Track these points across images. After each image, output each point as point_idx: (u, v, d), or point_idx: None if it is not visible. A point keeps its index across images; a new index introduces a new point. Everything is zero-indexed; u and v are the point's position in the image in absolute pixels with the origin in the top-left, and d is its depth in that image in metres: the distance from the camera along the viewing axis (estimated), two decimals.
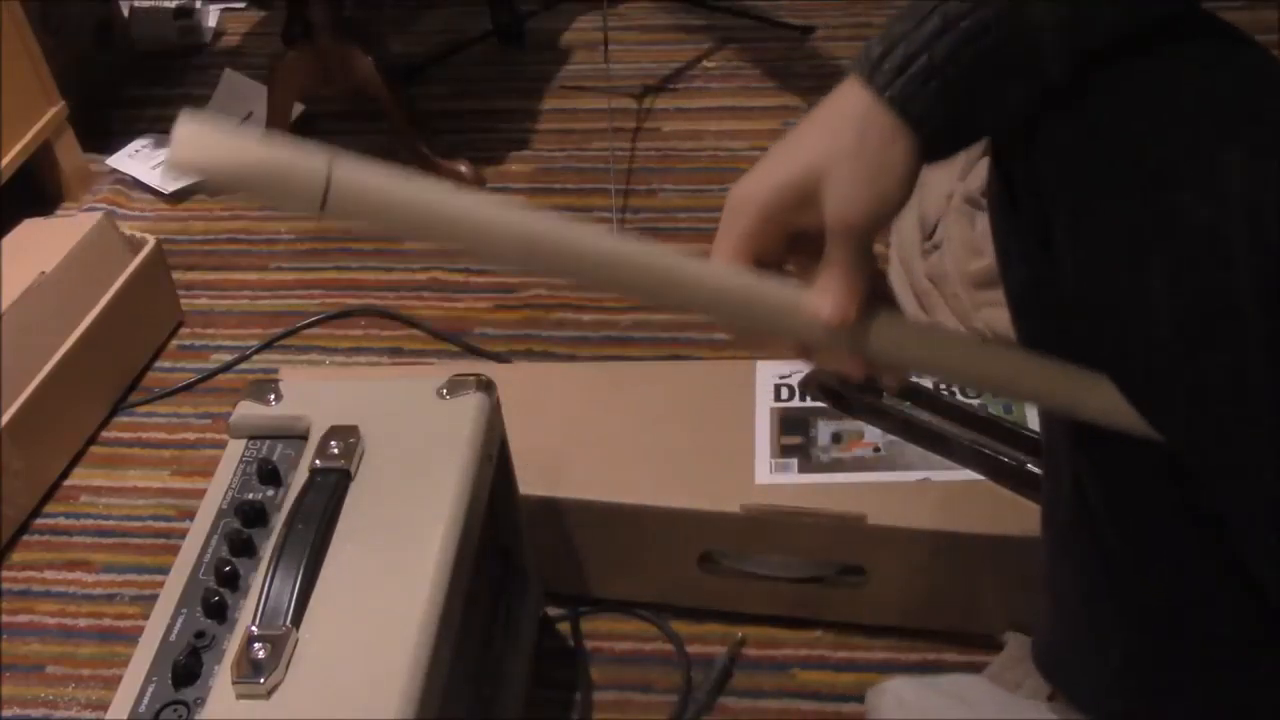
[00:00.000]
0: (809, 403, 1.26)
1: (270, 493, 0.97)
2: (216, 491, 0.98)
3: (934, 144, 0.61)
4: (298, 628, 0.85)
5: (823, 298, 0.61)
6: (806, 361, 0.65)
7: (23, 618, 1.41)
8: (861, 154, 0.61)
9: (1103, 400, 0.63)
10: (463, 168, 1.98)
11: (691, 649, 1.26)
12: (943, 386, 1.26)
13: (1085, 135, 0.61)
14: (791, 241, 0.64)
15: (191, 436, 1.61)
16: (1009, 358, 0.68)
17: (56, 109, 1.93)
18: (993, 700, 1.05)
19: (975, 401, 1.24)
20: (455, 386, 1.04)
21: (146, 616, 0.89)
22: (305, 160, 0.59)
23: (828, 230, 0.61)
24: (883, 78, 0.61)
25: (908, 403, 1.23)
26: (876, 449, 1.21)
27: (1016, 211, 0.69)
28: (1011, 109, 0.61)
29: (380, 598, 0.87)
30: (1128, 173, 0.59)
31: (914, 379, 1.27)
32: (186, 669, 0.84)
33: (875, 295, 0.63)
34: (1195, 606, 0.74)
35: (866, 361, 0.64)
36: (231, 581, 0.90)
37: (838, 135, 0.62)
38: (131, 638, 0.94)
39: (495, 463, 1.05)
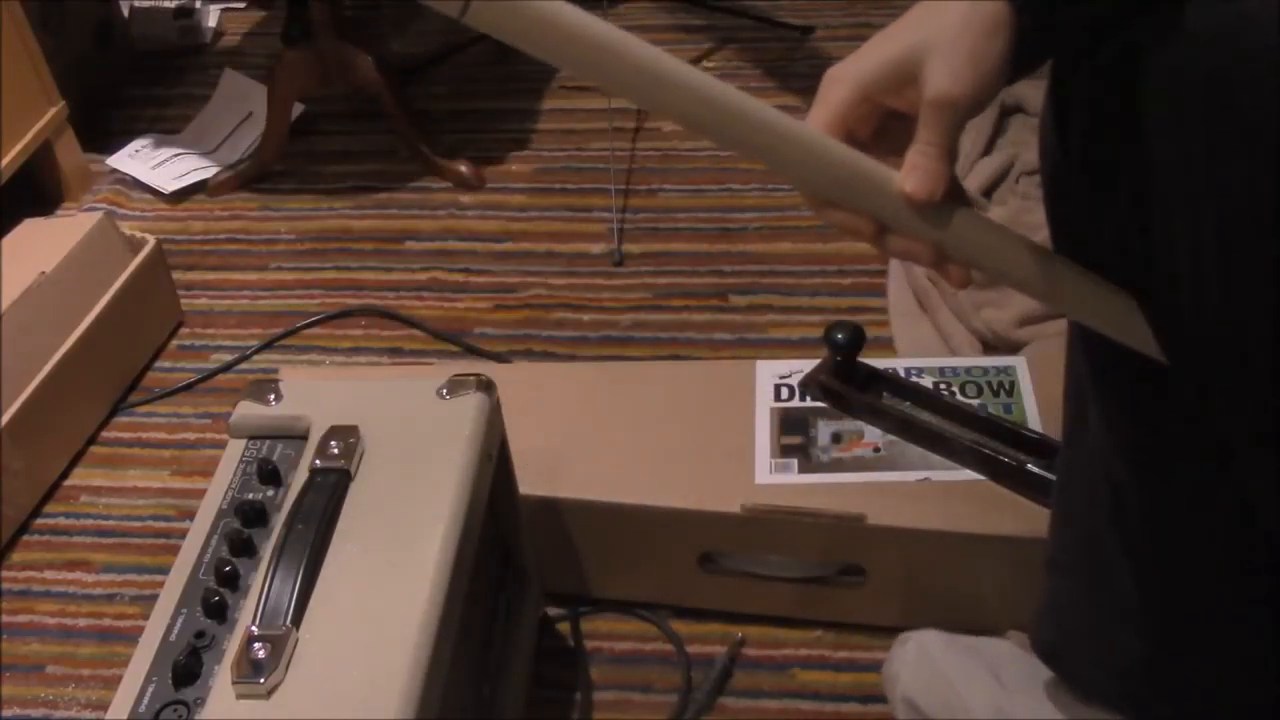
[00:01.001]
0: (809, 403, 1.26)
1: (270, 493, 0.97)
2: (216, 491, 0.98)
3: (1030, 37, 0.63)
4: (298, 628, 0.85)
5: (910, 173, 0.61)
6: (878, 244, 0.65)
7: (23, 618, 1.41)
8: (967, 34, 0.61)
9: (1133, 324, 0.65)
10: (463, 168, 1.98)
11: (691, 649, 1.26)
12: (943, 386, 1.27)
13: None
14: (879, 131, 0.64)
15: (191, 436, 1.61)
16: (1061, 272, 0.67)
17: (56, 109, 1.94)
18: (1018, 665, 1.04)
19: (975, 401, 1.24)
20: (455, 386, 1.04)
21: (146, 616, 0.89)
22: None
23: (924, 108, 0.61)
24: None
25: (907, 402, 1.23)
26: (876, 449, 1.21)
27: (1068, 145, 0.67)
28: (1106, 13, 0.63)
29: (380, 598, 0.87)
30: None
31: (913, 380, 1.27)
32: (186, 669, 0.84)
33: (951, 190, 0.63)
34: (1204, 548, 0.74)
35: (936, 247, 0.64)
36: (231, 581, 0.90)
37: (945, 15, 0.61)
38: (131, 638, 0.94)
39: (495, 463, 1.05)
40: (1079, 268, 0.68)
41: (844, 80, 0.62)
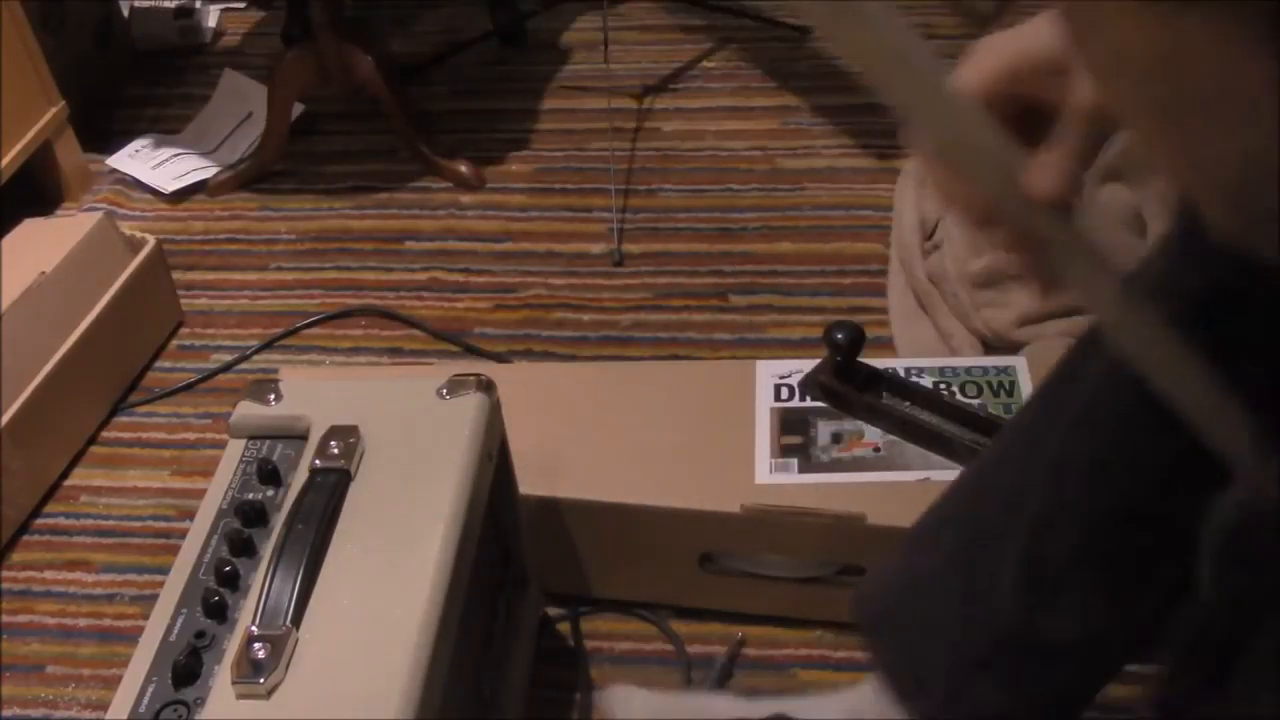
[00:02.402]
0: (809, 403, 1.26)
1: (270, 493, 0.97)
2: (216, 491, 0.98)
3: None
4: (298, 628, 0.85)
5: (1040, 169, 0.56)
6: (982, 227, 0.61)
7: (23, 618, 1.41)
8: None
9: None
10: (463, 168, 1.98)
11: (691, 649, 1.26)
12: (943, 386, 1.27)
13: None
14: (1014, 122, 0.59)
15: (191, 436, 1.61)
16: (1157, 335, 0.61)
17: (56, 109, 1.94)
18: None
19: (975, 401, 1.24)
20: (455, 386, 1.04)
21: (146, 616, 0.89)
22: None
23: (1070, 109, 0.57)
24: None
25: (907, 402, 1.23)
26: (876, 449, 1.21)
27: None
28: None
29: (380, 598, 0.87)
30: None
31: (913, 380, 1.27)
32: (186, 669, 0.84)
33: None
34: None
35: (1032, 249, 0.59)
36: (231, 581, 0.90)
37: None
38: (131, 638, 0.94)
39: (495, 463, 1.05)
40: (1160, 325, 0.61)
41: (1001, 52, 0.58)
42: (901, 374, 1.27)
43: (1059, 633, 0.85)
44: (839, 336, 1.22)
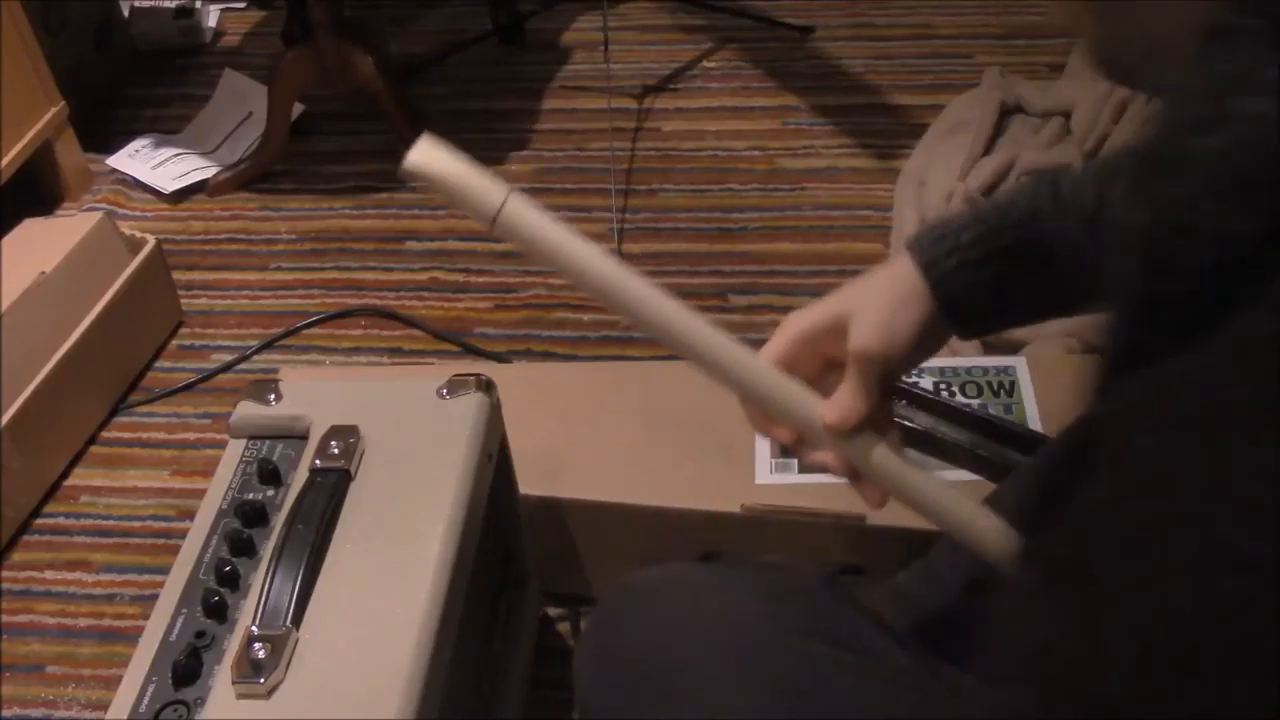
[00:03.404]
0: None
1: (270, 493, 0.97)
2: (216, 491, 0.98)
3: (958, 317, 0.73)
4: (298, 628, 0.85)
5: (829, 405, 0.72)
6: (800, 451, 0.76)
7: (23, 618, 1.41)
8: (885, 301, 0.73)
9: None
10: None
11: None
12: (943, 386, 1.26)
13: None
14: (826, 367, 0.76)
15: (191, 436, 1.61)
16: (958, 505, 0.76)
17: (56, 109, 1.94)
18: None
19: (975, 402, 1.24)
20: (455, 386, 1.04)
21: (146, 616, 0.89)
22: (493, 186, 0.79)
23: (848, 356, 0.73)
24: (922, 250, 0.72)
25: (903, 401, 1.22)
26: None
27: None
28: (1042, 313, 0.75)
29: (380, 598, 0.87)
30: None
31: (905, 383, 1.27)
32: (186, 669, 0.84)
33: (882, 421, 0.74)
34: None
35: (849, 465, 0.74)
36: (232, 581, 0.90)
37: (874, 282, 0.74)
38: (131, 638, 0.94)
39: (495, 463, 1.05)
40: (975, 504, 0.75)
41: (792, 325, 0.76)
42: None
43: None
44: None
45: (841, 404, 0.72)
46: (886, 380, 0.73)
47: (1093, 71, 0.54)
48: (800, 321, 0.75)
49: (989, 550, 0.74)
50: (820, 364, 0.75)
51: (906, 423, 1.20)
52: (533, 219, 0.78)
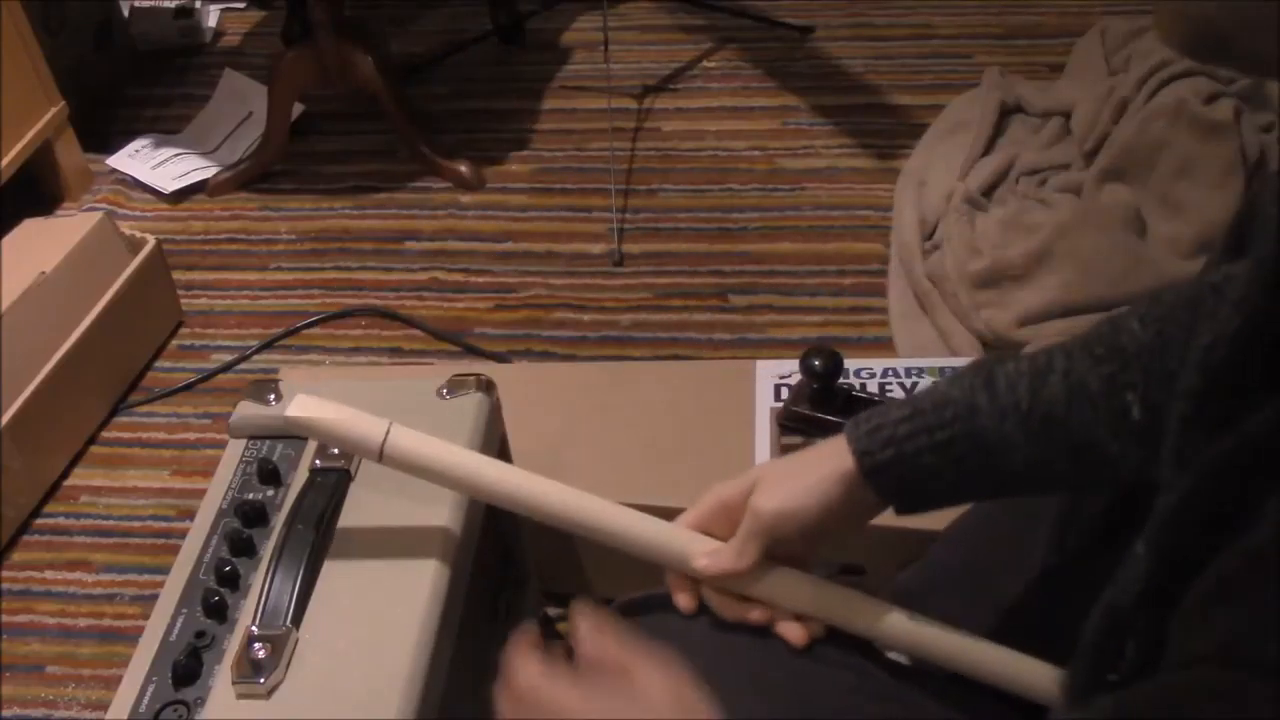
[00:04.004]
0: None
1: (270, 493, 0.97)
2: (216, 491, 0.98)
3: (893, 502, 0.76)
4: (298, 628, 0.85)
5: (709, 556, 0.78)
6: (684, 592, 0.81)
7: (23, 618, 1.41)
8: (799, 472, 0.76)
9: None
10: (463, 168, 1.98)
11: None
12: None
13: None
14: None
15: (191, 436, 1.61)
16: (896, 619, 0.79)
17: (56, 109, 1.94)
18: None
19: None
20: (455, 386, 1.04)
21: (146, 616, 0.89)
22: (374, 422, 0.83)
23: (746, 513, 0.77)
24: (858, 440, 0.75)
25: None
26: None
27: None
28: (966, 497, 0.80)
29: (380, 598, 0.87)
30: None
31: (889, 395, 1.26)
32: (186, 669, 0.84)
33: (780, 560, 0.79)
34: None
35: (763, 610, 0.79)
36: (232, 581, 0.90)
37: (798, 459, 0.78)
38: (131, 638, 0.94)
39: None
40: (912, 615, 0.79)
41: (712, 492, 0.80)
42: (878, 391, 1.25)
43: None
44: (816, 364, 1.19)
45: (720, 558, 0.78)
46: (793, 546, 0.78)
47: (1172, 45, 0.52)
48: (720, 489, 0.79)
49: (908, 650, 0.80)
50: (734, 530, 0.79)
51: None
52: (415, 442, 0.83)
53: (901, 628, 0.79)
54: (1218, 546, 0.46)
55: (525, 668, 0.69)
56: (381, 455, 0.82)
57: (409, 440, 0.83)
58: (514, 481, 0.83)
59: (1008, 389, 0.72)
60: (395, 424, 0.83)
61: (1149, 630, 0.50)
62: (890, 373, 1.28)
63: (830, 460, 0.75)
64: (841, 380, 1.22)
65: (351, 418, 0.84)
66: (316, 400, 0.84)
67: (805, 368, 1.19)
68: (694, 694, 0.67)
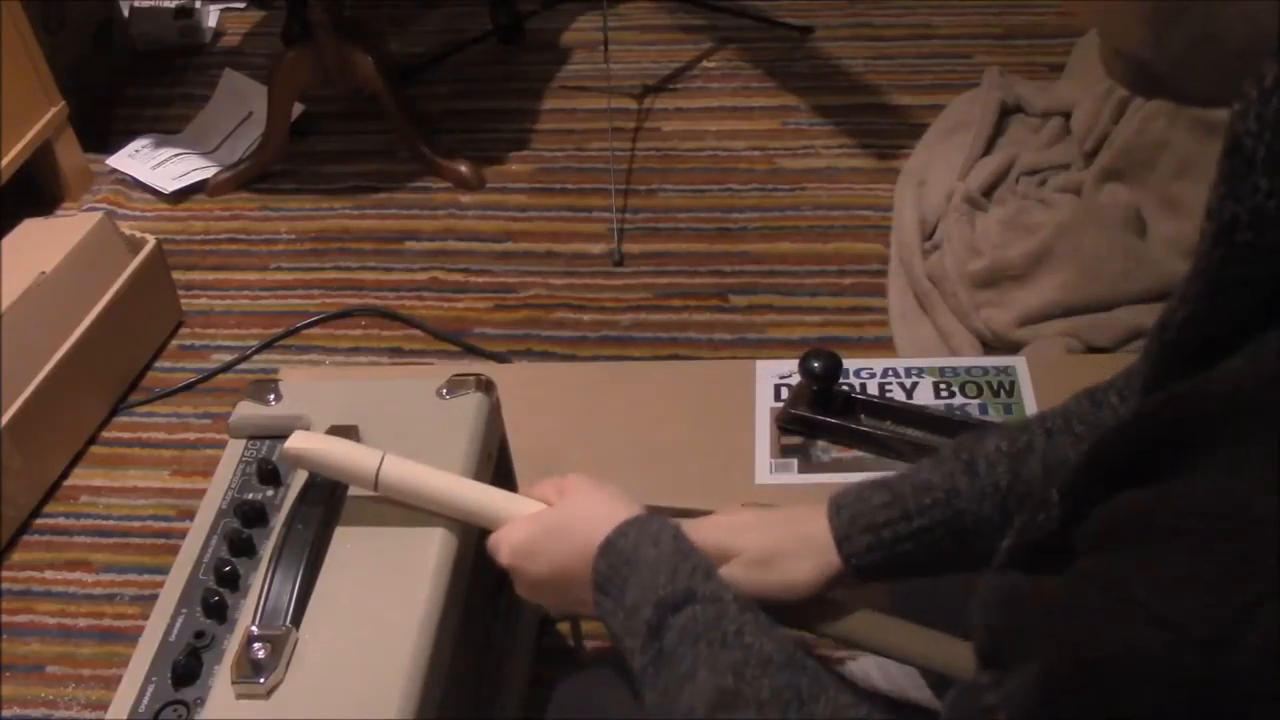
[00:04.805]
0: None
1: (270, 493, 0.97)
2: (216, 491, 0.98)
3: (864, 578, 0.78)
4: (298, 628, 0.85)
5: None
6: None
7: (23, 618, 1.41)
8: (778, 549, 0.79)
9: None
10: (463, 168, 1.98)
11: None
12: (943, 386, 1.26)
13: None
14: None
15: (191, 436, 1.61)
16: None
17: (56, 109, 1.94)
18: None
19: (975, 402, 1.24)
20: (455, 386, 1.04)
21: (146, 616, 0.89)
22: (368, 452, 0.88)
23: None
24: (839, 526, 0.77)
25: (887, 421, 1.21)
26: None
27: None
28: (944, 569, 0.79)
29: (380, 598, 0.87)
30: None
31: (887, 397, 1.27)
32: (186, 669, 0.84)
33: None
34: None
35: None
36: (231, 581, 0.90)
37: (768, 527, 0.82)
38: (131, 638, 0.94)
39: (495, 463, 1.05)
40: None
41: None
42: (877, 393, 1.25)
43: None
44: (815, 366, 1.19)
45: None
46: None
47: (1115, 80, 0.54)
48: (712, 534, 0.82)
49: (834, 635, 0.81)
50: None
51: (871, 430, 1.19)
52: (409, 469, 0.88)
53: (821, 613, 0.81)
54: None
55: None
56: (377, 483, 0.88)
57: (403, 467, 0.88)
58: (505, 506, 0.86)
59: (988, 470, 0.74)
60: (389, 454, 0.88)
61: (1055, 566, 0.52)
62: (890, 373, 1.28)
63: (810, 539, 0.77)
64: (842, 381, 1.22)
65: (348, 448, 0.89)
66: (312, 436, 0.90)
67: (804, 370, 1.19)
68: (610, 485, 0.78)
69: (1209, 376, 0.45)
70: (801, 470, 1.20)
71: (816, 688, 0.64)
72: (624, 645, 0.73)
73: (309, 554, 0.89)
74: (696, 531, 0.80)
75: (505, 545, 0.82)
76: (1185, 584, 0.41)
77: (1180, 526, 0.43)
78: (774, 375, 1.30)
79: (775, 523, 0.81)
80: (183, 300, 1.79)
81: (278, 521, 0.93)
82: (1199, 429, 0.44)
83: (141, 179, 2.03)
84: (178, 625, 0.87)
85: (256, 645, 0.83)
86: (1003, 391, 1.25)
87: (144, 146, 2.09)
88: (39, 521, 1.51)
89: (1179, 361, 0.50)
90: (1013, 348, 1.51)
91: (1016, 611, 0.51)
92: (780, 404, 1.26)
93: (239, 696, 0.81)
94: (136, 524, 1.50)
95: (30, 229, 1.71)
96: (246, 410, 1.03)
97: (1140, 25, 0.49)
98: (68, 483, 1.56)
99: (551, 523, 0.80)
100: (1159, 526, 0.44)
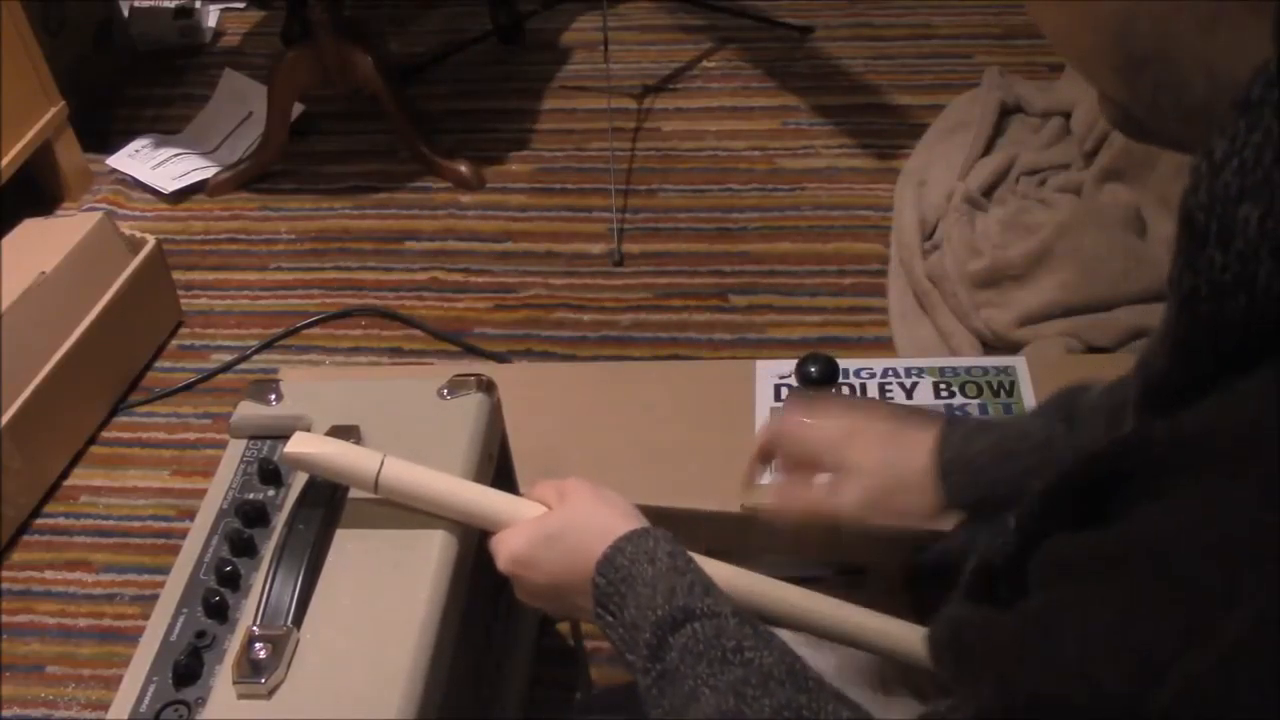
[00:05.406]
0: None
1: (271, 493, 0.97)
2: (217, 491, 0.98)
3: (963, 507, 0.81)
4: (298, 628, 0.85)
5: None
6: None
7: (23, 618, 1.41)
8: (892, 483, 0.83)
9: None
10: (463, 168, 1.98)
11: None
12: (942, 386, 1.26)
13: None
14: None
15: (191, 436, 1.61)
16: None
17: (56, 109, 1.94)
18: None
19: (975, 402, 1.24)
20: (455, 386, 1.04)
21: (146, 616, 0.89)
22: (368, 454, 0.89)
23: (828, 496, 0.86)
24: (944, 467, 0.81)
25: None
26: None
27: None
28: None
29: (380, 598, 0.87)
30: None
31: (887, 397, 1.26)
32: (187, 669, 0.84)
33: None
34: None
35: None
36: (232, 581, 0.90)
37: (886, 441, 0.85)
38: (131, 638, 0.94)
39: (495, 463, 1.05)
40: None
41: (769, 429, 0.89)
42: (877, 393, 1.25)
43: None
44: (811, 370, 1.20)
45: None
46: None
47: (1108, 124, 0.55)
48: (772, 430, 0.88)
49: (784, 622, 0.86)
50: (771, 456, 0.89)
51: None
52: (409, 472, 0.89)
53: (766, 596, 0.86)
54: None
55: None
56: (377, 485, 0.88)
57: (402, 469, 0.89)
58: (506, 508, 0.86)
59: (1084, 422, 0.77)
60: (389, 456, 0.89)
61: (1010, 593, 0.53)
62: (890, 373, 1.28)
63: (922, 494, 0.81)
64: (841, 382, 1.22)
65: (348, 450, 0.89)
66: (312, 438, 0.90)
67: (801, 374, 1.19)
68: (609, 492, 0.81)
69: (1154, 426, 0.46)
70: None
71: (816, 704, 0.64)
72: (626, 659, 0.73)
73: (310, 554, 0.89)
74: (804, 430, 0.85)
75: (504, 552, 0.82)
76: (1109, 635, 0.42)
77: (1107, 575, 0.43)
78: (774, 375, 1.30)
79: (879, 443, 0.84)
80: (183, 300, 1.79)
81: (279, 521, 0.93)
82: (1143, 475, 0.45)
83: (141, 179, 2.03)
84: (179, 625, 0.87)
85: (258, 645, 0.83)
86: (1003, 392, 1.25)
87: (144, 146, 2.10)
88: (39, 521, 1.51)
89: (1160, 401, 0.50)
90: (1013, 348, 1.51)
91: (962, 647, 0.52)
92: (780, 404, 1.26)
93: (240, 696, 0.81)
94: (136, 524, 1.50)
95: (30, 229, 1.71)
96: (247, 410, 1.03)
97: (1113, 73, 0.50)
98: (68, 483, 1.56)
99: (549, 531, 0.81)
100: (1091, 573, 0.45)
